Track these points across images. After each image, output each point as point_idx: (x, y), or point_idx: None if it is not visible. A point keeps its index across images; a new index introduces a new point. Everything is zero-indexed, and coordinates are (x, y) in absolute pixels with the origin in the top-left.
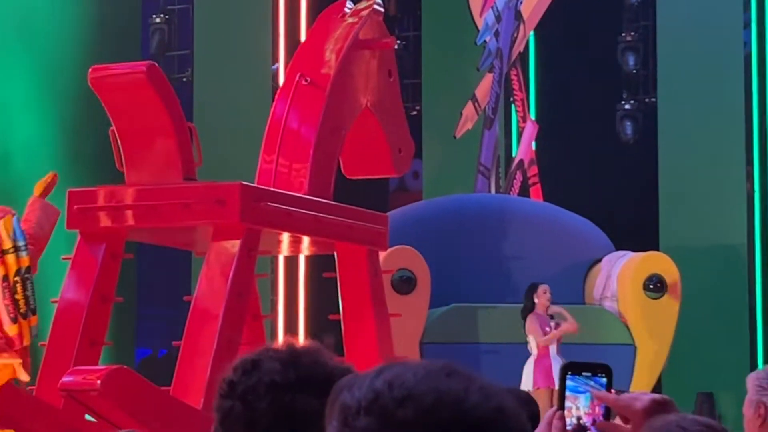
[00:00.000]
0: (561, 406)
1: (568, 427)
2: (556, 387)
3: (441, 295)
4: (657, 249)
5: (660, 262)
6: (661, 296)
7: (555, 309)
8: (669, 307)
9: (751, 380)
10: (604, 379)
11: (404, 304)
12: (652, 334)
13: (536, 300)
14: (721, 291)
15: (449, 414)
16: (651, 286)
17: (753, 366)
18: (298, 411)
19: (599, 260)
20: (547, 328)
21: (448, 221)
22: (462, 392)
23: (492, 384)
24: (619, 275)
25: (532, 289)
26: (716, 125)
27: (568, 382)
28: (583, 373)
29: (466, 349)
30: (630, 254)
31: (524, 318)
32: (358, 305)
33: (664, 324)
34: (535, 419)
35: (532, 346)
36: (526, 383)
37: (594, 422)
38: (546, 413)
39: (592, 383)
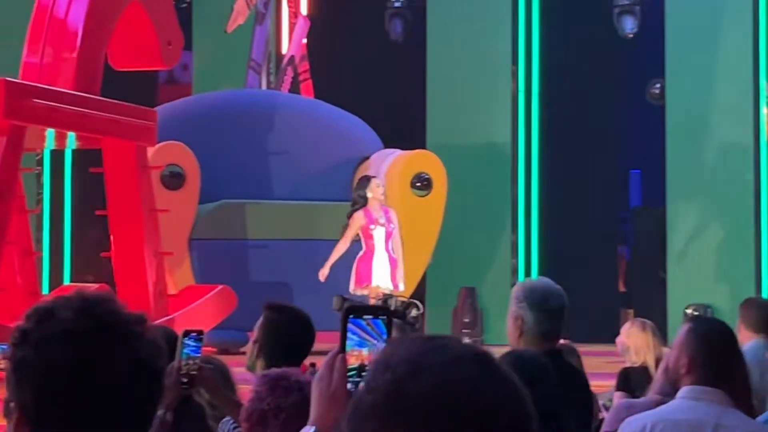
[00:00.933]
0: (343, 349)
1: (350, 372)
2: (375, 284)
3: (210, 191)
4: (424, 147)
5: (427, 160)
6: (428, 194)
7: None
8: (435, 204)
9: (512, 293)
10: (384, 321)
11: (173, 200)
12: (418, 231)
13: (369, 194)
14: (485, 188)
15: (455, 397)
16: (418, 184)
17: (515, 262)
18: (94, 359)
19: (368, 157)
20: (372, 226)
21: (218, 117)
22: (477, 379)
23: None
24: (387, 173)
25: (365, 183)
26: (484, 25)
27: (352, 327)
28: (365, 316)
29: (234, 245)
30: (398, 152)
31: (354, 212)
32: (125, 201)
33: (430, 221)
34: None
35: (362, 243)
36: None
37: None
38: (327, 355)
39: (375, 328)
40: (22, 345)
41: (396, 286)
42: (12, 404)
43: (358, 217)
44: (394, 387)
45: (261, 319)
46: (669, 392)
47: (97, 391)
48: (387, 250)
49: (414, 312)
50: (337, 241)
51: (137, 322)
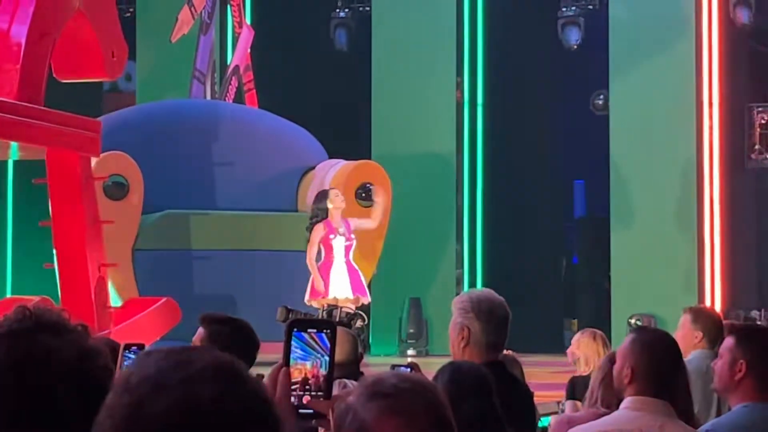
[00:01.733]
0: (286, 363)
1: (294, 386)
2: (332, 296)
3: (154, 202)
4: (369, 158)
5: (371, 171)
6: (373, 204)
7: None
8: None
9: (455, 304)
10: (328, 335)
11: (117, 210)
12: (362, 241)
13: (330, 205)
14: (430, 199)
15: (195, 415)
16: (363, 194)
17: (460, 272)
18: (37, 351)
19: (312, 168)
20: (332, 235)
21: (163, 127)
22: (219, 394)
23: (262, 392)
24: (332, 183)
25: (324, 196)
26: (429, 35)
27: (296, 340)
28: (309, 329)
29: (179, 256)
30: (343, 162)
31: (314, 225)
32: (69, 212)
33: (375, 231)
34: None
35: (322, 253)
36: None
37: (316, 381)
38: (271, 369)
39: (318, 342)
40: None
41: (365, 295)
42: None
43: (318, 229)
44: (133, 409)
45: (203, 332)
46: (610, 403)
47: (33, 394)
48: (347, 260)
49: (359, 323)
50: (282, 252)
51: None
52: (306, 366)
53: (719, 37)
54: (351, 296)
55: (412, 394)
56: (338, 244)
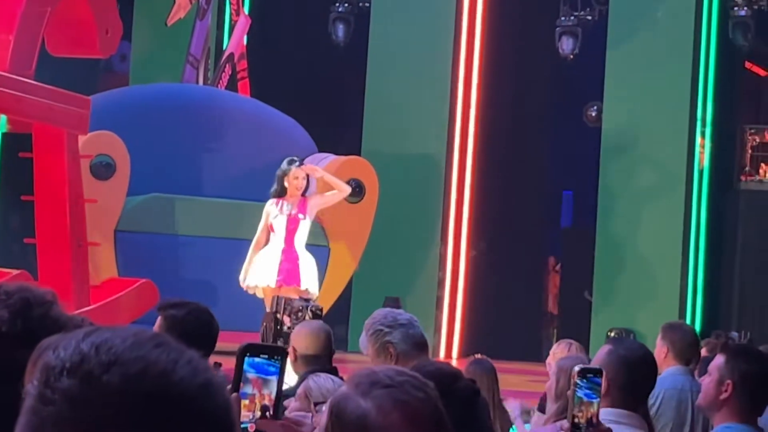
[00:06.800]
0: (236, 389)
1: (249, 414)
2: (254, 284)
3: (139, 184)
4: (359, 153)
5: (360, 167)
6: (359, 200)
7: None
8: (365, 211)
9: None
10: (279, 362)
11: (102, 190)
12: (346, 237)
13: (286, 184)
14: (417, 199)
15: (155, 384)
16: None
17: (442, 273)
18: (19, 365)
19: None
20: (276, 215)
21: (153, 109)
22: (170, 364)
23: (200, 359)
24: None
25: (285, 171)
26: (427, 35)
27: (248, 366)
28: (261, 355)
29: (162, 240)
30: (331, 157)
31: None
32: (53, 188)
33: (359, 228)
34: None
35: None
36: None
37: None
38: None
39: (270, 367)
40: None
41: (295, 285)
42: None
43: (267, 206)
44: (80, 388)
45: (159, 320)
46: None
47: (18, 395)
48: (288, 244)
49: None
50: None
51: (77, 328)
52: (264, 394)
53: (715, 58)
54: (273, 285)
55: (410, 385)
56: (279, 224)
